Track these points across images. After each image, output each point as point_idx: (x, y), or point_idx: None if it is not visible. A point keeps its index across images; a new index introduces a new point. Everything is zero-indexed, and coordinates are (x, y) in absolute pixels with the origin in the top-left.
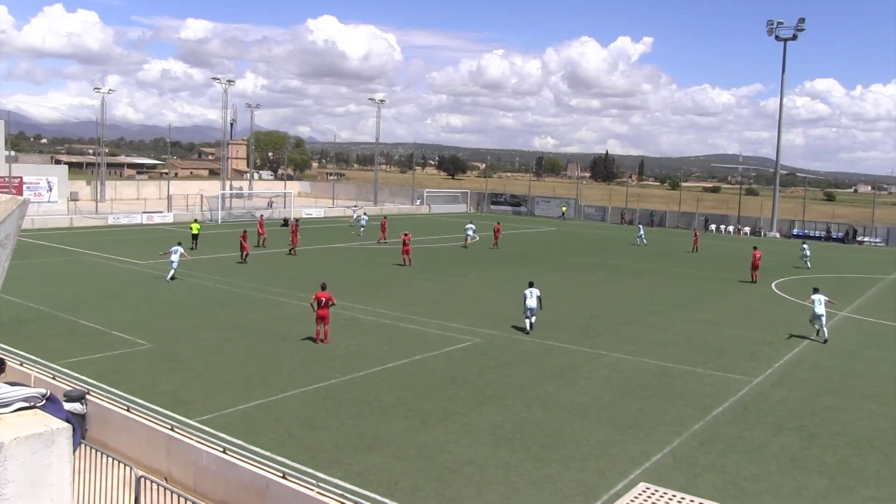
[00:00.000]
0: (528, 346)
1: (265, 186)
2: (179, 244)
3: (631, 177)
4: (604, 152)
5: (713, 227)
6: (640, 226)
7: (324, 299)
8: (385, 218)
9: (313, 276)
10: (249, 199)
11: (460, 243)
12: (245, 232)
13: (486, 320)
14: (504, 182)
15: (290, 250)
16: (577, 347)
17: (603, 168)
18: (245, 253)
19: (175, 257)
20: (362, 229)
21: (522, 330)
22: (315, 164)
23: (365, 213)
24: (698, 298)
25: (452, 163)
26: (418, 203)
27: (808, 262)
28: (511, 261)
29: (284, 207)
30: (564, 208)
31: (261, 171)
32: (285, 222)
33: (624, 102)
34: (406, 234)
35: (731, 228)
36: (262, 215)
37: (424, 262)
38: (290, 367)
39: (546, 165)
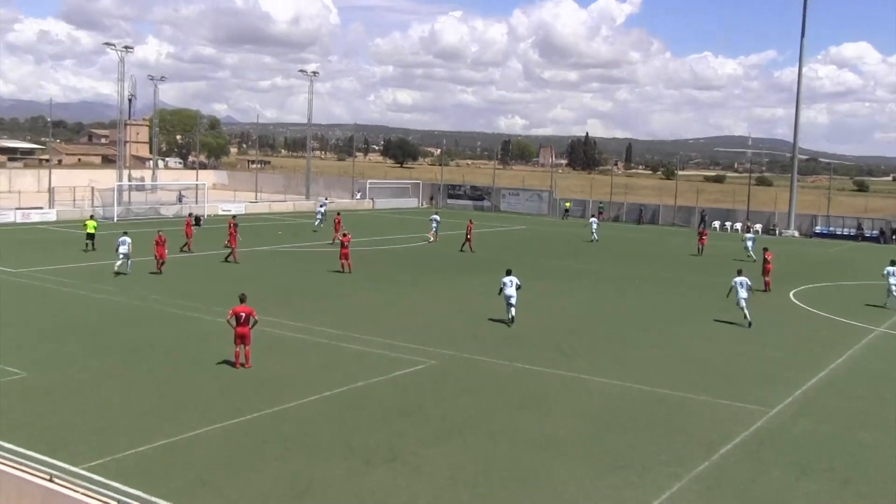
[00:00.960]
0: (493, 369)
1: (173, 177)
2: (126, 233)
3: (616, 164)
4: (583, 135)
5: (716, 224)
6: (593, 220)
7: (243, 315)
8: (339, 214)
9: (234, 284)
10: (153, 193)
11: (425, 239)
12: (161, 234)
13: (443, 338)
14: (463, 171)
15: (228, 256)
16: (553, 370)
17: (583, 154)
18: (161, 261)
19: (124, 248)
20: (318, 220)
21: (504, 322)
22: (234, 150)
23: (326, 199)
24: (699, 310)
25: (401, 148)
26: (359, 197)
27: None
28: (473, 266)
29: (196, 202)
30: (568, 204)
31: (167, 159)
32: (197, 221)
33: (607, 75)
34: (345, 235)
35: (737, 225)
36: (190, 214)
37: (368, 268)
38: (203, 398)
39: (514, 151)
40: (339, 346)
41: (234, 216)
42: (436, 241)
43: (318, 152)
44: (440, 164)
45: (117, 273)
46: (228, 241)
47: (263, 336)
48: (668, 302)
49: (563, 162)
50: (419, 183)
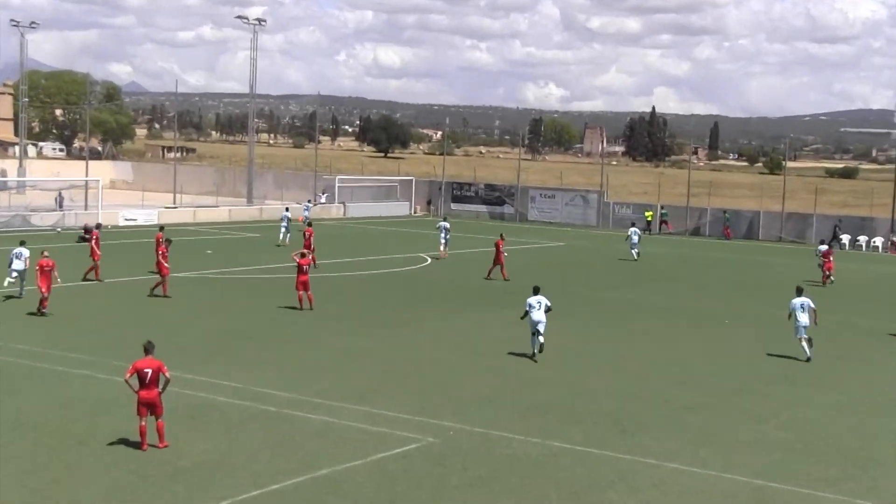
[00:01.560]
0: (517, 450)
1: (50, 170)
2: (23, 243)
3: (696, 153)
4: (648, 110)
5: (845, 238)
6: (634, 230)
7: (148, 372)
8: (311, 225)
9: (148, 327)
10: (20, 194)
11: (433, 256)
12: (47, 258)
13: (445, 403)
14: (475, 163)
15: (156, 287)
16: (607, 452)
17: (647, 138)
18: (44, 295)
19: (20, 264)
20: (284, 229)
21: (530, 356)
22: (142, 133)
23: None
24: (818, 365)
25: (385, 130)
26: (325, 200)
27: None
28: (491, 298)
29: (86, 209)
30: (650, 214)
31: (41, 144)
32: (84, 235)
33: (683, 23)
34: (303, 256)
35: (877, 242)
36: (98, 225)
37: (339, 303)
38: (91, 497)
39: (548, 134)
40: (293, 417)
41: (161, 228)
42: (445, 258)
43: (264, 136)
44: (441, 154)
45: (6, 297)
46: (157, 265)
47: (183, 402)
48: (772, 352)
49: (619, 149)
50: (411, 180)
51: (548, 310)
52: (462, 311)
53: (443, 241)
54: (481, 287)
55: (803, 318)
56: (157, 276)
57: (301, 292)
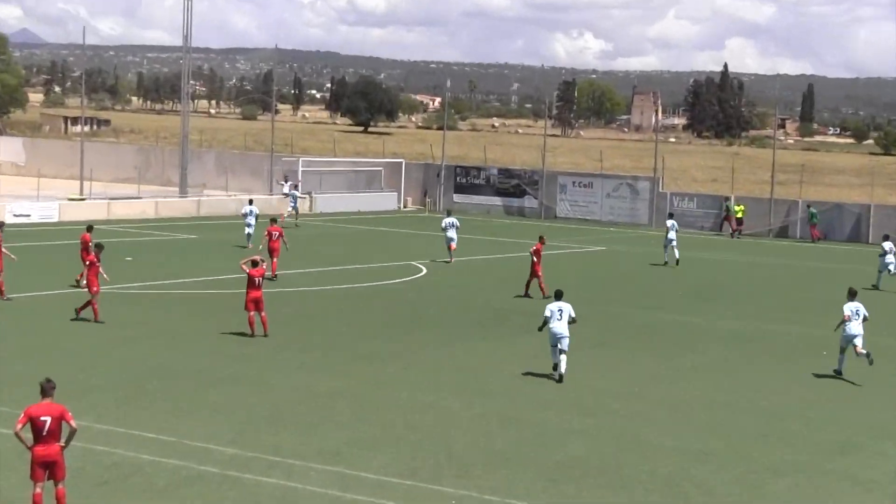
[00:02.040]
0: None
1: None
2: None
3: (784, 126)
4: (718, 70)
5: None
6: (672, 224)
7: (47, 420)
8: (276, 222)
9: (46, 360)
10: None
11: (433, 260)
12: None
13: (444, 464)
14: (485, 140)
15: (84, 307)
16: None
17: (716, 106)
18: None
19: None
20: (249, 228)
21: (551, 378)
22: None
23: (288, 181)
24: None
25: (365, 96)
26: (286, 189)
27: (674, 257)
28: (505, 318)
29: None
30: (741, 209)
31: None
32: None
33: None
34: (255, 265)
35: None
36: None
37: (307, 328)
38: None
39: (583, 101)
40: (241, 481)
41: (90, 228)
42: (451, 264)
43: (203, 103)
44: (440, 128)
45: None
46: (85, 276)
47: (94, 461)
48: (883, 395)
49: (679, 122)
50: (400, 163)
51: (571, 321)
52: (467, 339)
53: (451, 239)
54: (492, 306)
55: (853, 327)
56: (89, 291)
57: (252, 313)
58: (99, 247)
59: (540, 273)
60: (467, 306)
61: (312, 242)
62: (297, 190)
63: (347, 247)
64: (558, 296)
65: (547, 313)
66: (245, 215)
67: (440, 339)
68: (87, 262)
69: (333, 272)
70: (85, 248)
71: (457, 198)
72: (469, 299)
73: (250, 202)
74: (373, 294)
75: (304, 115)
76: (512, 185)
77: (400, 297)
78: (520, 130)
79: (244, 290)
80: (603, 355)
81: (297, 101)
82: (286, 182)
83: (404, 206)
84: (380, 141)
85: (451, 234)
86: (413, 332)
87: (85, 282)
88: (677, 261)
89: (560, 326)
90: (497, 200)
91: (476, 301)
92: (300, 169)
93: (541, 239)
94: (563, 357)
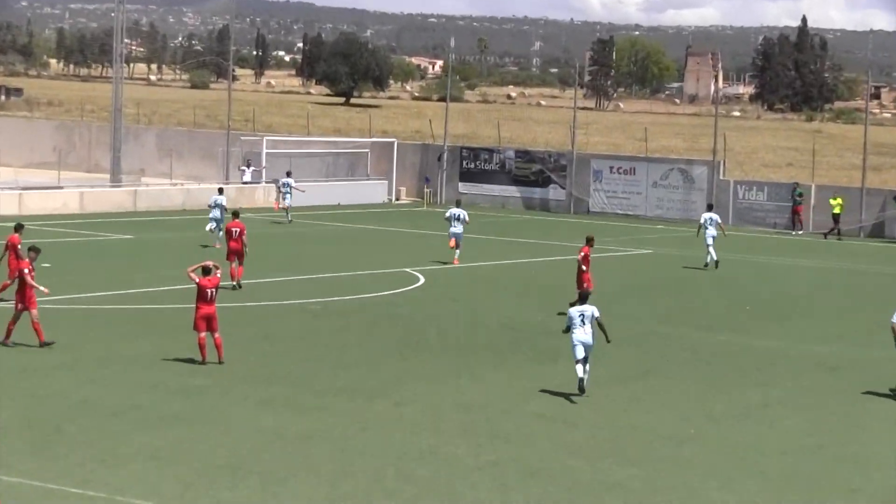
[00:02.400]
0: None
1: None
2: None
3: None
4: (794, 25)
5: None
6: (710, 217)
7: None
8: (237, 216)
9: None
10: None
11: (435, 265)
12: None
13: None
14: (497, 113)
15: (7, 338)
16: None
17: (793, 71)
18: None
19: None
20: (214, 224)
21: (576, 394)
22: None
23: (289, 177)
24: None
25: (347, 59)
26: (248, 176)
27: (711, 258)
28: (522, 340)
29: None
30: (838, 202)
31: None
32: None
33: None
34: (207, 273)
35: None
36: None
37: (267, 351)
38: None
39: (623, 66)
40: None
41: (18, 227)
42: (458, 265)
43: (142, 67)
44: (442, 100)
45: None
46: (16, 288)
47: None
48: None
49: (745, 91)
50: (392, 143)
51: (600, 325)
52: (475, 367)
53: (455, 234)
54: (507, 325)
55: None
56: (21, 307)
57: (204, 334)
58: (34, 250)
59: (590, 286)
60: (476, 325)
61: (281, 244)
62: (262, 176)
63: (325, 250)
64: (582, 298)
65: (568, 320)
66: (212, 208)
67: (441, 367)
68: (18, 272)
69: (308, 282)
70: (14, 253)
71: (463, 187)
72: (478, 317)
73: (220, 191)
74: (357, 310)
75: (269, 84)
76: (533, 171)
77: (391, 313)
78: (543, 102)
79: (193, 305)
80: (649, 388)
81: (261, 66)
82: (248, 168)
83: (396, 199)
84: (365, 115)
85: (456, 227)
86: (407, 359)
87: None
88: (716, 262)
89: (583, 333)
90: (514, 191)
91: (487, 319)
92: (263, 151)
93: (588, 241)
94: (586, 371)
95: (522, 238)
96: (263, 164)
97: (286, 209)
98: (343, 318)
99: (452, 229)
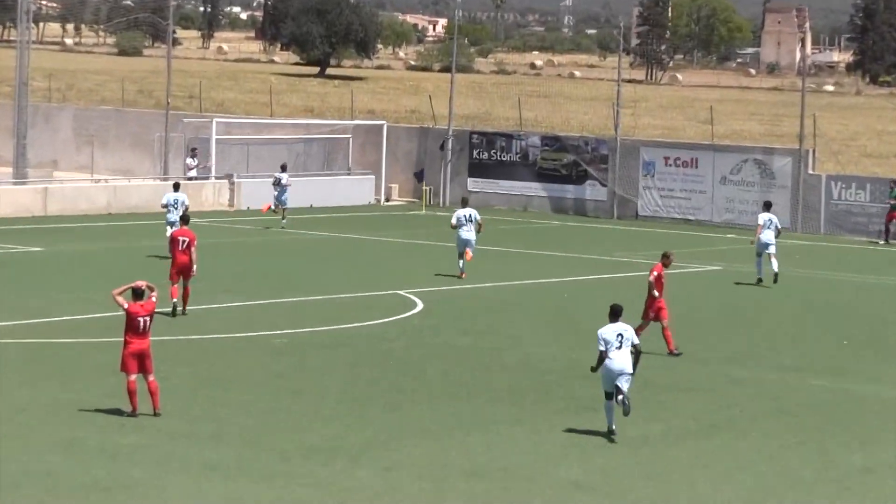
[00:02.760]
0: None
1: None
2: None
3: None
4: None
5: None
6: (767, 219)
7: None
8: (187, 223)
9: None
10: None
11: (450, 276)
12: None
13: None
14: (517, 89)
15: None
16: None
17: None
18: None
19: None
20: (171, 224)
21: (606, 435)
22: None
23: (283, 171)
24: None
25: (321, 18)
26: (195, 170)
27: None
28: (543, 383)
29: None
30: None
31: None
32: None
33: None
34: (139, 296)
35: None
36: None
37: (217, 398)
38: None
39: (681, 27)
40: None
41: None
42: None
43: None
44: (445, 70)
45: None
46: None
47: None
48: None
49: (840, 59)
50: (381, 126)
51: (636, 355)
52: (489, 420)
53: (466, 241)
54: (531, 364)
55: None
56: None
57: (134, 377)
58: None
59: (664, 315)
60: (490, 365)
61: (238, 259)
62: (212, 171)
63: (294, 266)
64: (615, 313)
65: (601, 343)
66: (168, 208)
67: (445, 419)
68: None
69: (272, 308)
70: None
71: (472, 184)
72: (493, 353)
73: (175, 187)
74: (336, 344)
75: (220, 50)
76: (564, 163)
77: (380, 348)
78: (577, 74)
79: (121, 339)
80: (718, 447)
81: (210, 26)
82: (194, 158)
83: (386, 199)
84: (346, 91)
85: (467, 233)
86: (401, 409)
87: None
88: (775, 276)
89: (621, 359)
90: (539, 189)
91: (505, 356)
92: (213, 137)
93: (664, 258)
94: (627, 390)
95: (550, 250)
96: (212, 154)
97: (283, 210)
98: (317, 356)
99: (463, 235)
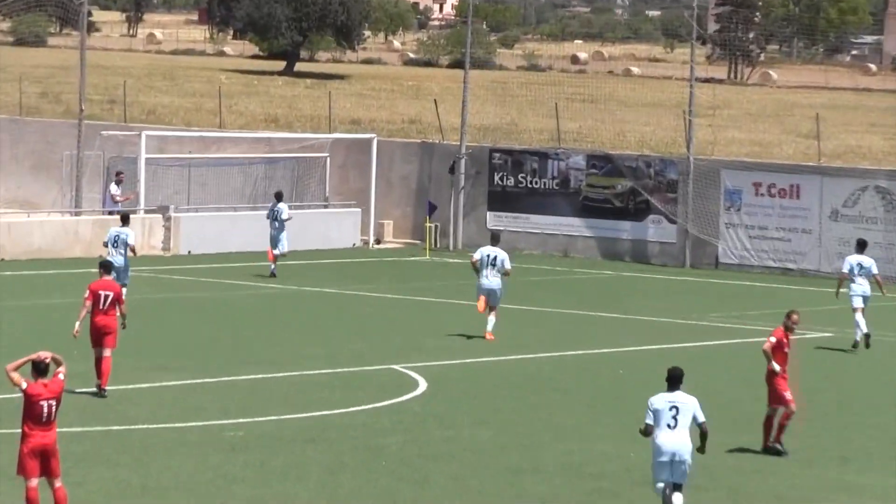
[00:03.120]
0: None
1: None
2: None
3: None
4: None
5: None
6: (860, 264)
7: None
8: (107, 271)
9: None
10: None
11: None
12: None
13: None
14: (553, 90)
15: None
16: None
17: None
18: None
19: None
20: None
21: None
22: None
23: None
24: None
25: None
26: (120, 198)
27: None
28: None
29: None
30: None
31: None
32: None
33: None
34: (39, 373)
35: None
36: None
37: None
38: None
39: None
40: None
41: None
42: (493, 340)
43: None
44: (456, 66)
45: None
46: None
47: None
48: None
49: None
50: (370, 140)
51: (702, 436)
52: None
53: (490, 288)
54: (573, 466)
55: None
56: None
57: (34, 482)
58: None
59: (787, 394)
60: (520, 467)
61: (179, 322)
62: (140, 200)
63: (254, 331)
64: (673, 379)
65: (649, 416)
66: (112, 244)
67: None
68: None
69: (224, 388)
70: None
71: (493, 220)
72: (522, 451)
73: (123, 220)
74: (308, 437)
75: (152, 37)
76: (618, 191)
77: (369, 444)
78: (635, 70)
79: (18, 431)
80: None
81: (138, 8)
82: (119, 185)
83: (377, 242)
84: (321, 93)
85: (490, 279)
86: None
87: None
88: (866, 337)
89: (675, 440)
90: (583, 227)
91: (539, 455)
92: (142, 156)
93: (788, 320)
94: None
95: (599, 310)
96: (141, 179)
97: (282, 255)
98: (284, 454)
99: (484, 281)
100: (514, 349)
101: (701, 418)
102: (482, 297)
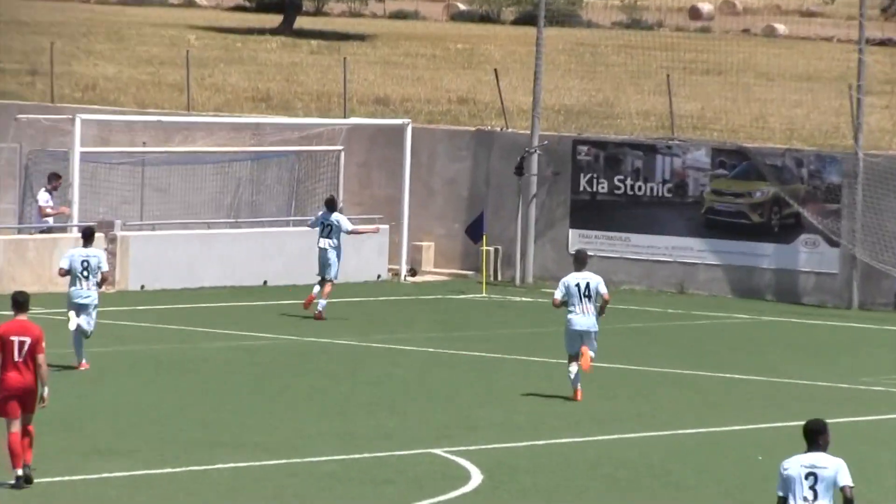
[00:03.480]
0: None
1: None
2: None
3: None
4: None
5: None
6: None
7: None
8: (21, 309)
9: None
10: None
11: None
12: None
13: None
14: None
15: None
16: None
17: None
18: None
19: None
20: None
21: None
22: None
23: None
24: None
25: None
26: (51, 209)
27: None
28: None
29: None
30: None
31: None
32: None
33: None
34: None
35: None
36: None
37: None
38: None
39: None
40: None
41: None
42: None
43: None
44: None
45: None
46: None
47: None
48: None
49: None
50: (403, 127)
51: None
52: None
53: (583, 329)
54: None
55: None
56: None
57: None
58: None
59: None
60: None
61: (131, 387)
62: (72, 212)
63: (237, 401)
64: (813, 435)
65: (780, 487)
66: (71, 276)
67: None
68: None
69: (195, 479)
70: None
71: (578, 239)
72: None
73: (86, 239)
74: None
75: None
76: (755, 200)
77: None
78: (780, 28)
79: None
80: None
81: None
82: (52, 193)
83: (412, 273)
84: (332, 60)
85: (581, 318)
86: None
87: None
88: None
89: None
90: (708, 250)
91: None
92: (76, 148)
93: None
94: None
95: (729, 370)
96: (75, 182)
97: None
98: None
99: (579, 320)
100: (607, 426)
101: (845, 482)
102: (585, 350)
